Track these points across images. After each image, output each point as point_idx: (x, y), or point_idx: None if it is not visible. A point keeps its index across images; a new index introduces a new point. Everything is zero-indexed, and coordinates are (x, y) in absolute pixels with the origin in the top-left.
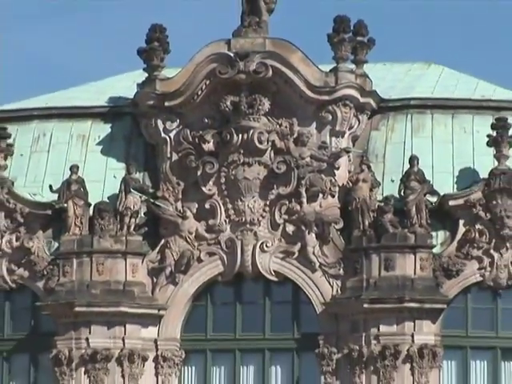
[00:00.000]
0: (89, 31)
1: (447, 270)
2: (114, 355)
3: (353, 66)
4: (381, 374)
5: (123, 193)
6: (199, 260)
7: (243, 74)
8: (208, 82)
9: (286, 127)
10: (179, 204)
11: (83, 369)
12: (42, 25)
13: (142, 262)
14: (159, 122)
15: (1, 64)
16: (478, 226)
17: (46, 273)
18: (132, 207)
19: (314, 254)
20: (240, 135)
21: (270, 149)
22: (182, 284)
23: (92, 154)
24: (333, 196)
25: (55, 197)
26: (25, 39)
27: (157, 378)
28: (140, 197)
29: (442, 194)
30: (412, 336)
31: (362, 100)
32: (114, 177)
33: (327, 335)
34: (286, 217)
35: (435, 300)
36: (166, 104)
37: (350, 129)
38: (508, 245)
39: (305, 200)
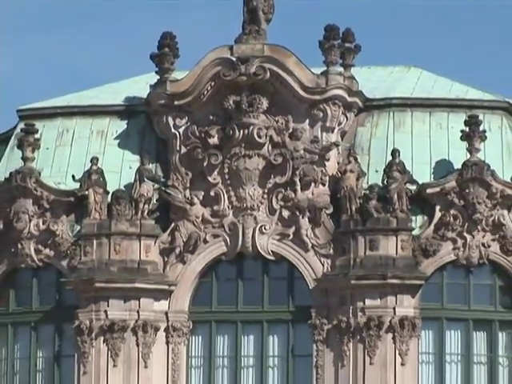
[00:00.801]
0: (107, 38)
1: (425, 250)
2: (130, 326)
3: (341, 69)
4: (366, 342)
5: (138, 182)
6: (205, 241)
7: (244, 76)
8: (213, 84)
9: (282, 123)
10: (187, 192)
11: (102, 338)
12: (66, 33)
13: (155, 243)
14: (169, 119)
15: (30, 68)
16: (452, 211)
17: (69, 252)
18: (146, 194)
19: (306, 235)
20: (241, 130)
21: (267, 143)
22: (189, 262)
23: (110, 148)
24: (323, 185)
25: (77, 185)
26: (51, 45)
27: (167, 346)
28: (153, 185)
29: (420, 182)
30: (394, 309)
31: (349, 99)
32: (130, 167)
33: (318, 308)
34: (282, 203)
35: (414, 277)
36: (176, 103)
37: (338, 125)
38: (479, 228)
39: (299, 188)
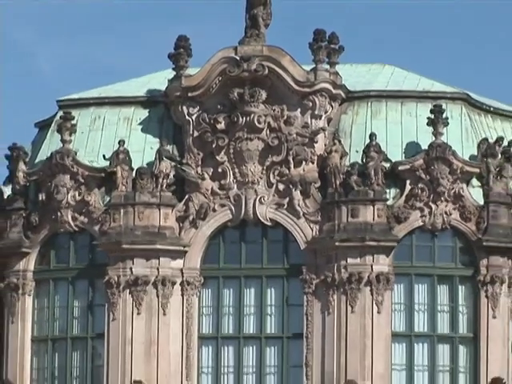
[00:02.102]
0: (132, 40)
1: (397, 217)
2: (151, 280)
3: (327, 67)
4: (348, 294)
5: (158, 160)
6: (214, 210)
7: (246, 72)
8: (220, 78)
9: (278, 112)
10: (199, 169)
11: (128, 290)
12: (97, 36)
13: (172, 211)
14: (184, 108)
15: (67, 65)
16: (420, 185)
17: (100, 219)
18: (164, 171)
19: (298, 205)
20: (244, 118)
21: (266, 128)
22: (201, 228)
23: (134, 132)
24: (313, 163)
25: (107, 163)
26: (85, 46)
27: (182, 297)
28: (170, 163)
29: (393, 161)
30: (371, 266)
31: (334, 91)
32: (151, 148)
33: (308, 265)
34: (278, 178)
35: (388, 239)
36: (189, 94)
37: (325, 113)
38: (442, 198)
39: (292, 166)
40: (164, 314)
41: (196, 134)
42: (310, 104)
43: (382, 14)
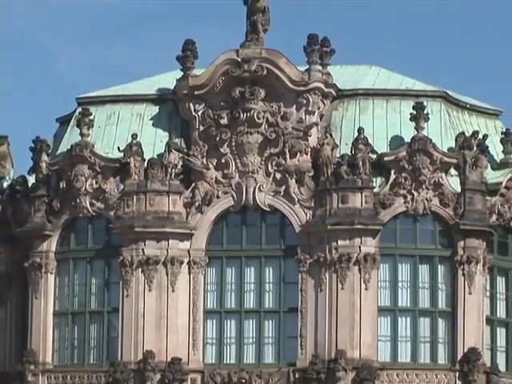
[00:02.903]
0: (144, 44)
1: (383, 203)
2: (161, 260)
3: (320, 68)
4: (338, 272)
5: (167, 152)
6: (217, 197)
7: (247, 72)
8: (223, 78)
9: (275, 108)
10: (204, 159)
11: (140, 269)
12: (112, 39)
13: (180, 198)
14: (191, 105)
15: (85, 65)
16: (403, 174)
17: (115, 205)
18: (173, 161)
19: (294, 192)
20: (245, 113)
21: (264, 123)
22: (206, 213)
23: (146, 127)
24: (307, 154)
25: (121, 155)
26: (101, 48)
27: (189, 275)
28: (178, 155)
29: (379, 152)
30: (359, 247)
31: (326, 90)
32: (161, 141)
33: (303, 247)
34: (275, 168)
35: (375, 223)
36: (196, 93)
37: (318, 109)
38: (423, 186)
39: (288, 157)
40: (173, 291)
41: (201, 128)
42: (305, 101)
43: (370, 19)
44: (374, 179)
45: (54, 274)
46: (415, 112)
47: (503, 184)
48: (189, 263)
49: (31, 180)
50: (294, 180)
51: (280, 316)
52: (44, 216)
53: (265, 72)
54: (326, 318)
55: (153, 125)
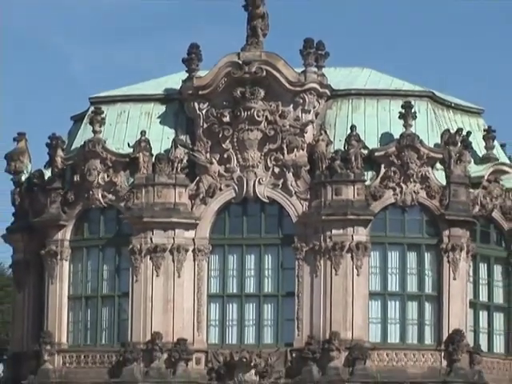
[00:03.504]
0: (153, 47)
1: (373, 195)
2: (168, 248)
3: (315, 69)
4: (332, 259)
5: (173, 148)
6: (220, 189)
7: (247, 74)
8: (226, 79)
9: (274, 107)
10: (208, 155)
11: (148, 256)
12: (123, 42)
13: (185, 190)
14: (195, 104)
15: (97, 67)
16: (392, 168)
17: (125, 197)
18: (179, 157)
19: (291, 185)
20: (245, 112)
21: (264, 120)
22: (209, 204)
23: (154, 124)
24: (303, 150)
25: (131, 150)
26: (112, 51)
27: (194, 262)
28: (184, 150)
29: (370, 148)
30: (352, 236)
31: (321, 90)
32: (168, 138)
33: (299, 236)
34: (274, 162)
35: (366, 214)
36: (200, 93)
37: (313, 108)
38: (411, 180)
39: (286, 152)
40: (178, 276)
41: (205, 125)
42: (301, 101)
43: (362, 25)
44: (366, 173)
45: (68, 260)
46: (404, 110)
47: (485, 177)
48: (193, 251)
49: (47, 174)
50: (291, 174)
51: (278, 300)
52: (59, 207)
53: (264, 73)
54: (320, 302)
55: (160, 122)
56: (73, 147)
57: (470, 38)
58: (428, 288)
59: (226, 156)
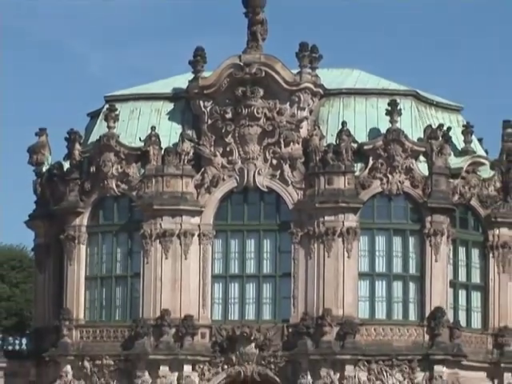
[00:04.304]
0: (162, 50)
1: (362, 185)
2: (175, 233)
3: (310, 70)
4: (325, 243)
5: (181, 142)
6: (223, 179)
7: (248, 74)
8: (228, 79)
9: (272, 105)
10: (212, 148)
11: (158, 240)
12: (136, 45)
13: (191, 180)
14: (201, 102)
15: (111, 67)
16: (380, 160)
17: (137, 186)
18: (185, 150)
19: (288, 176)
20: (246, 109)
21: (263, 117)
22: (213, 193)
23: (163, 120)
24: (298, 143)
25: (142, 144)
26: (125, 53)
27: (199, 246)
28: (190, 144)
29: (359, 142)
30: (343, 222)
31: (315, 89)
32: (175, 133)
33: (295, 221)
34: (272, 155)
35: (356, 202)
36: (205, 92)
37: (308, 106)
38: (397, 171)
39: (283, 146)
40: (185, 259)
41: (210, 121)
42: (297, 99)
43: (352, 31)
44: (355, 165)
45: (85, 244)
46: (390, 108)
47: (464, 169)
48: (199, 235)
49: (66, 165)
50: (287, 165)
51: (276, 280)
52: (77, 196)
53: (263, 74)
54: (314, 282)
55: (169, 119)
56: (89, 141)
57: (451, 40)
58: (412, 269)
59: (228, 149)
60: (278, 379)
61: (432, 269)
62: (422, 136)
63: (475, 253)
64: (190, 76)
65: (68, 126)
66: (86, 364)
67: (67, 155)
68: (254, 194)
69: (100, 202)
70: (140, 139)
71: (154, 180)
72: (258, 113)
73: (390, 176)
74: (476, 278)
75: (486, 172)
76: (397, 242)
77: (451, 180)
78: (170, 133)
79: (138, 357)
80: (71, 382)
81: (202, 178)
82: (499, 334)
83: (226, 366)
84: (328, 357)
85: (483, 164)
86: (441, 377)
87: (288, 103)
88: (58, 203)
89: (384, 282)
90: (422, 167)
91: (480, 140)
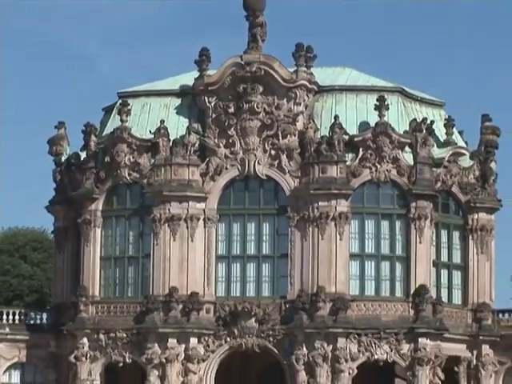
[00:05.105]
0: (170, 50)
1: (353, 173)
2: (183, 217)
3: (305, 69)
4: (319, 227)
5: (187, 134)
6: (226, 168)
7: (249, 73)
8: (230, 77)
9: (271, 100)
10: (216, 140)
11: (167, 224)
12: (146, 45)
13: (197, 169)
14: (206, 98)
15: (124, 66)
16: (369, 151)
17: (147, 174)
18: (192, 141)
19: (285, 165)
20: (247, 104)
21: (262, 111)
22: (217, 181)
23: (171, 114)
24: (295, 136)
25: (152, 136)
26: (136, 53)
27: (204, 228)
28: (196, 136)
29: (350, 134)
30: (335, 207)
31: (309, 86)
32: (183, 125)
33: (292, 206)
34: (270, 146)
35: (347, 188)
36: (209, 88)
37: (303, 101)
38: (384, 160)
39: (280, 138)
40: (191, 241)
41: (214, 115)
42: (293, 95)
43: (344, 33)
44: (347, 155)
45: (100, 227)
46: (378, 103)
47: (446, 158)
48: (204, 219)
49: (83, 155)
50: (285, 155)
51: (274, 260)
52: (93, 183)
53: (262, 72)
54: (309, 262)
55: (176, 113)
56: (104, 133)
57: (435, 39)
58: (398, 250)
59: (230, 141)
60: (276, 350)
61: (416, 250)
62: (408, 129)
63: (456, 235)
64: (196, 74)
65: (84, 119)
66: (101, 337)
67: (84, 146)
68: (254, 181)
69: (114, 188)
70: (150, 132)
71: (163, 169)
72: (257, 108)
73: (378, 165)
74: (457, 259)
75: (465, 162)
76: (384, 225)
77: (434, 169)
78: (177, 126)
79: (149, 330)
80: (87, 353)
81: (207, 167)
82: (478, 310)
83: (228, 339)
84: (322, 330)
85: (463, 154)
86: (424, 348)
87: (285, 99)
88: (76, 190)
89: (373, 262)
90: (407, 157)
91: (460, 132)
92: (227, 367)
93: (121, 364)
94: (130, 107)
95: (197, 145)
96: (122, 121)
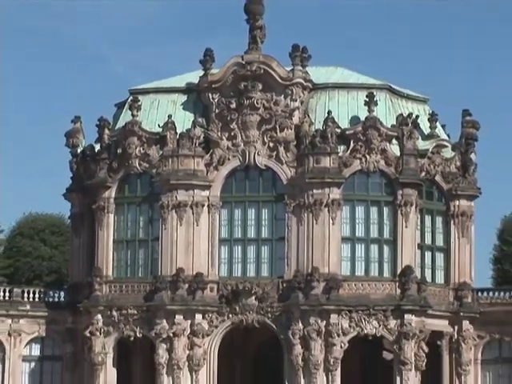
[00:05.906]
0: (177, 50)
1: (345, 164)
2: (189, 204)
3: (301, 68)
4: (313, 213)
5: (193, 127)
6: (228, 159)
7: (249, 71)
8: (232, 76)
9: (269, 97)
10: (219, 133)
11: (174, 210)
12: (154, 46)
13: (202, 160)
14: (210, 94)
15: (135, 66)
16: (359, 143)
17: (156, 165)
18: (197, 134)
19: (282, 156)
20: (248, 100)
21: (262, 107)
22: (220, 170)
23: (178, 110)
24: (291, 129)
25: (160, 130)
26: (146, 53)
27: (209, 214)
28: (201, 130)
29: (342, 128)
30: (328, 194)
31: (305, 84)
32: (188, 120)
33: (289, 194)
34: (269, 139)
35: (339, 177)
36: (213, 86)
37: (299, 97)
38: (373, 152)
39: (278, 131)
40: (197, 225)
41: (217, 111)
42: (290, 92)
43: (336, 35)
44: (339, 147)
45: (113, 213)
46: (368, 99)
47: (430, 150)
48: (208, 206)
49: (97, 147)
50: (282, 147)
51: (272, 243)
52: (106, 173)
53: (262, 71)
54: (305, 245)
55: (183, 108)
56: (116, 127)
57: (420, 38)
58: (386, 234)
59: (232, 134)
60: (274, 326)
61: (403, 234)
62: (395, 123)
63: (439, 220)
64: (201, 73)
65: (98, 114)
66: (114, 313)
67: (98, 139)
68: (254, 171)
69: (125, 177)
70: (159, 125)
71: (170, 160)
72: (257, 103)
73: (367, 156)
74: (439, 242)
75: (448, 153)
76: (373, 211)
77: (419, 159)
78: (184, 120)
79: (157, 307)
80: (101, 328)
81: (211, 158)
82: (459, 289)
83: (230, 315)
84: (316, 307)
85: (446, 146)
86: (410, 324)
87: (282, 95)
88: (90, 179)
89: (363, 245)
90: (394, 149)
91: (443, 126)
92: (229, 341)
93: (132, 338)
94: (140, 103)
95: (201, 137)
96: (132, 115)
